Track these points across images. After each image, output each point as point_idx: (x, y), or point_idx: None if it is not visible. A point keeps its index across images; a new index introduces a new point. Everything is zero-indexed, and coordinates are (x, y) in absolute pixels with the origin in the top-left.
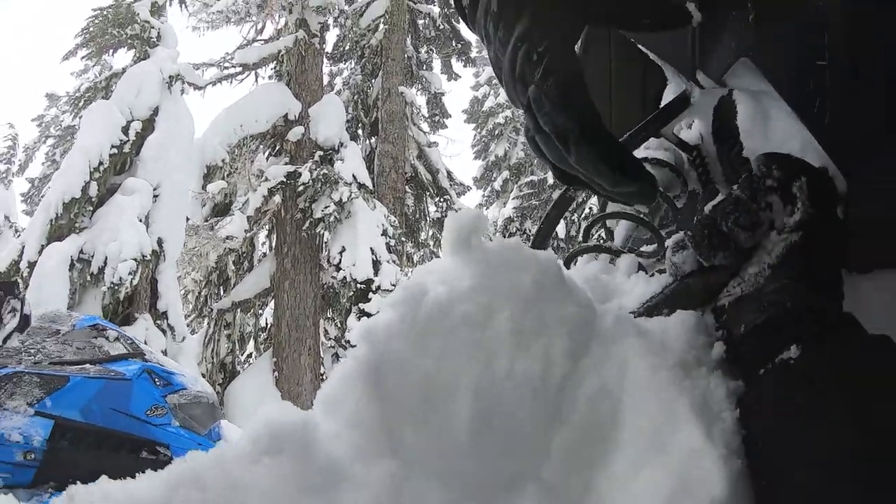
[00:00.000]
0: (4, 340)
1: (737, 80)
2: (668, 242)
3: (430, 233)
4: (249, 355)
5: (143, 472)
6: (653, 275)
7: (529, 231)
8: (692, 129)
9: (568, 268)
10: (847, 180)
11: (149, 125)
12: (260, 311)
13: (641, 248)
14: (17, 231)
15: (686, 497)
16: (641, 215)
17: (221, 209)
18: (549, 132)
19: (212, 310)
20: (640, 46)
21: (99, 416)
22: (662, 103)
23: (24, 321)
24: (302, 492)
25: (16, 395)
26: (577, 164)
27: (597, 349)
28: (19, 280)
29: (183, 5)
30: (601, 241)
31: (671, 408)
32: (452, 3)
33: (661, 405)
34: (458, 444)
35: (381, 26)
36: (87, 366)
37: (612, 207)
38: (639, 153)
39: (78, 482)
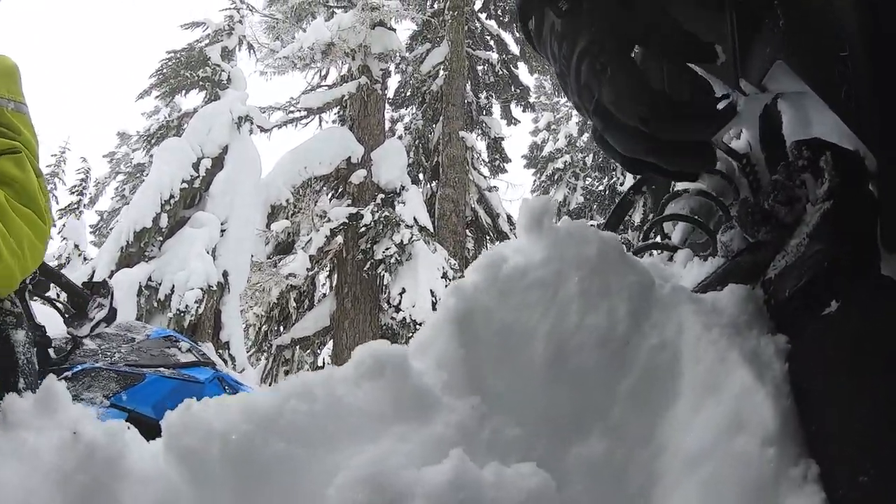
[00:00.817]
0: (92, 330)
1: (775, 83)
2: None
3: None
4: None
5: None
6: (706, 259)
7: None
8: (741, 138)
9: None
10: (878, 161)
11: (218, 162)
12: (318, 350)
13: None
14: (85, 259)
15: (740, 431)
16: (696, 217)
17: (284, 247)
18: (621, 117)
19: (271, 345)
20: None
21: None
22: None
23: (112, 314)
24: (397, 412)
25: (93, 387)
26: (649, 143)
27: (656, 313)
28: (108, 280)
29: (251, 51)
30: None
31: (724, 356)
32: (520, 25)
33: (716, 355)
34: (532, 384)
35: (441, 72)
36: (162, 368)
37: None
38: None
39: None
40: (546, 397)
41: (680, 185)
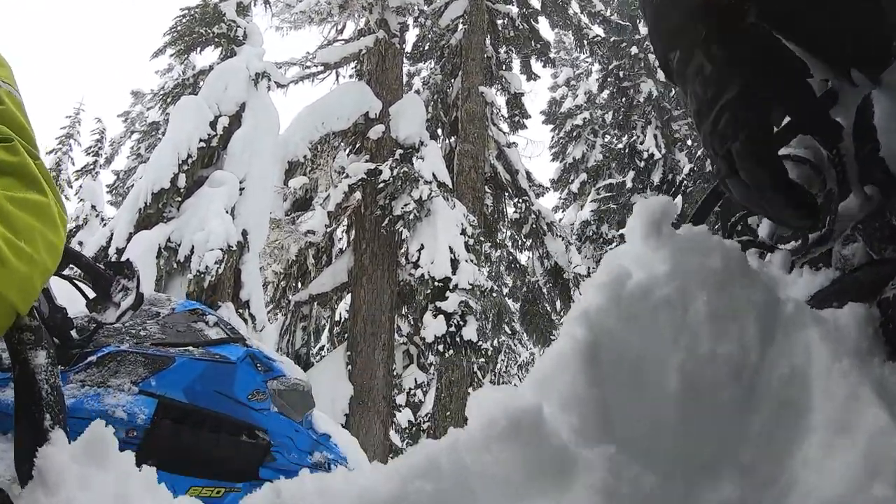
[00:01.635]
0: (118, 319)
1: (893, 76)
2: (813, 237)
3: (508, 233)
4: (321, 347)
5: (242, 454)
6: (818, 269)
7: (605, 234)
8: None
9: None
10: None
11: (236, 120)
12: (335, 306)
13: (788, 246)
14: (103, 220)
15: (877, 477)
16: None
17: (302, 204)
18: (744, 179)
19: (289, 301)
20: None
21: (202, 397)
22: None
23: (139, 299)
24: (533, 478)
25: (120, 373)
26: (765, 206)
27: (781, 335)
28: (132, 261)
29: (267, 5)
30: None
31: (856, 392)
32: (659, 55)
33: (847, 390)
34: (666, 423)
35: (461, 26)
36: (191, 348)
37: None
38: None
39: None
40: (679, 437)
41: None
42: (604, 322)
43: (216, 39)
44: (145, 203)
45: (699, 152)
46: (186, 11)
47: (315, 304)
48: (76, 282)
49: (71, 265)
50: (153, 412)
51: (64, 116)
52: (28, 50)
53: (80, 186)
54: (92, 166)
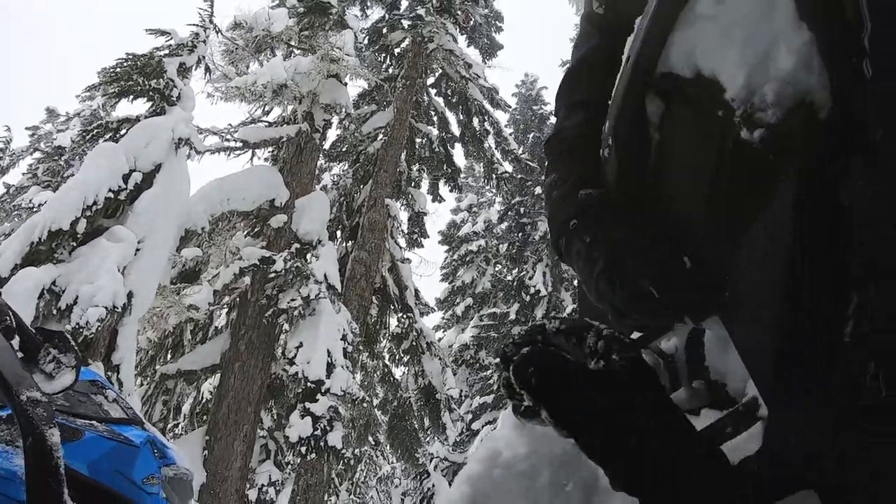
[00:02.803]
0: (53, 395)
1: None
2: None
3: (388, 346)
4: (176, 424)
5: None
6: None
7: (482, 360)
8: (671, 341)
9: None
10: None
11: (149, 179)
12: (201, 386)
13: None
14: None
15: None
16: None
17: (189, 276)
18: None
19: (155, 371)
20: None
21: (104, 474)
22: None
23: (77, 377)
24: None
25: None
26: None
27: (597, 500)
28: (66, 335)
29: (208, 73)
30: None
31: None
32: (552, 241)
33: None
34: None
35: (381, 136)
36: (96, 423)
37: None
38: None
39: None
40: None
41: None
42: (481, 485)
43: (151, 92)
44: (40, 238)
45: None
46: (130, 56)
47: (182, 379)
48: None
49: None
50: None
51: None
52: None
53: None
54: None
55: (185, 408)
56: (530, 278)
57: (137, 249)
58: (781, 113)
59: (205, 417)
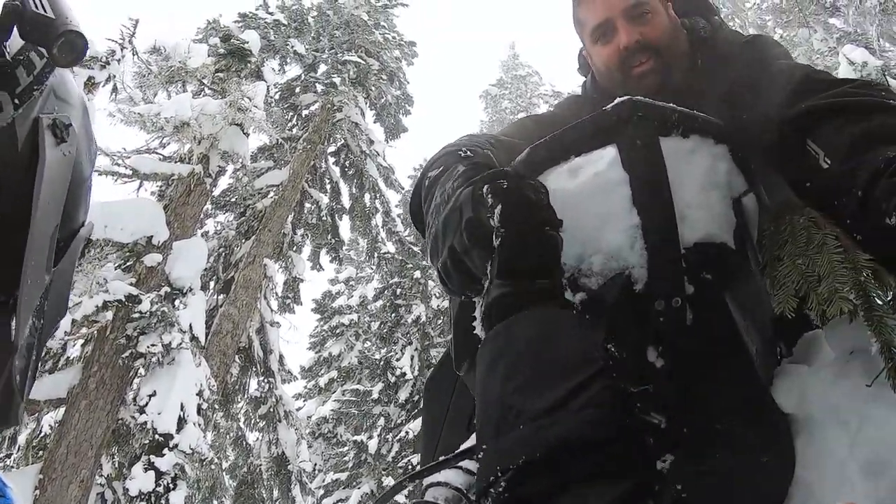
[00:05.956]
0: None
1: None
2: None
3: (244, 409)
4: (9, 455)
5: None
6: None
7: (340, 436)
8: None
9: None
10: None
11: None
12: (41, 419)
13: None
14: None
15: None
16: None
17: None
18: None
19: None
20: None
21: None
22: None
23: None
24: None
25: None
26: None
27: None
28: None
29: (114, 92)
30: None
31: None
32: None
33: None
34: None
35: (272, 195)
36: None
37: None
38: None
39: None
40: None
41: None
42: None
43: None
44: None
45: None
46: None
47: (22, 409)
48: None
49: None
50: None
51: None
52: None
53: None
54: None
55: (22, 439)
56: (398, 360)
57: None
58: (602, 281)
59: (41, 453)
